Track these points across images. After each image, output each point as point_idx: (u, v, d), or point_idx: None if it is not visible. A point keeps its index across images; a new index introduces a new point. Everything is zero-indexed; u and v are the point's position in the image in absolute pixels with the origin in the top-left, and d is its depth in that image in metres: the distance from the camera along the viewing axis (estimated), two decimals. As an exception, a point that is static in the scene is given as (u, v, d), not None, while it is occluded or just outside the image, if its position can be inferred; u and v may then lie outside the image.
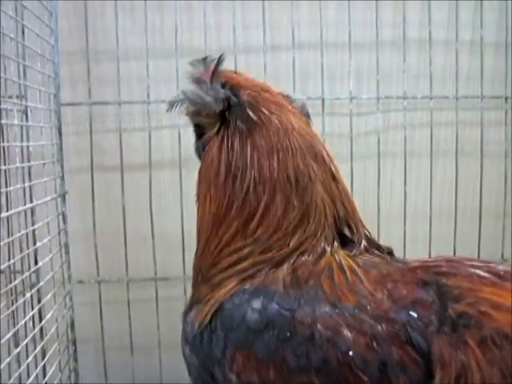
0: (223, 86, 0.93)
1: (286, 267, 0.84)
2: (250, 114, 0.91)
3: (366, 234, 0.93)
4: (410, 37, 1.62)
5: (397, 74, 1.63)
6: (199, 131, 0.98)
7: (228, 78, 0.95)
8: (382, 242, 1.44)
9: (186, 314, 0.90)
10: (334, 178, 0.91)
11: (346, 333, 0.74)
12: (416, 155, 1.66)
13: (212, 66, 0.93)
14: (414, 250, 1.54)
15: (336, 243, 0.88)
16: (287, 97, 0.99)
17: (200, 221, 0.94)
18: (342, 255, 0.86)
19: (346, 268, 0.83)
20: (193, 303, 0.90)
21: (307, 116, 1.00)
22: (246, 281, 0.84)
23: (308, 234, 0.86)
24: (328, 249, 0.87)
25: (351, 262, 0.85)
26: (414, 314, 0.75)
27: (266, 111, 0.91)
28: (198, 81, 0.93)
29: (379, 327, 0.74)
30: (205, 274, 0.90)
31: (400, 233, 1.60)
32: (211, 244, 0.90)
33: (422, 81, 1.64)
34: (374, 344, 0.73)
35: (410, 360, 0.73)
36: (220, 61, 0.94)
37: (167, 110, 0.96)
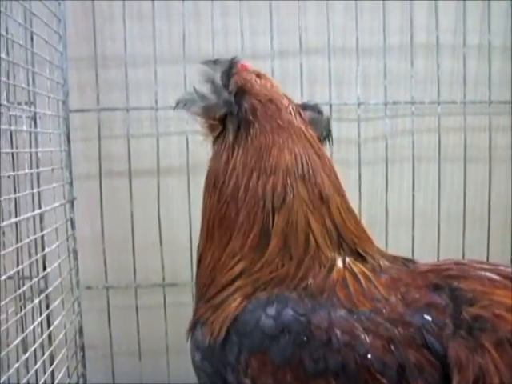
0: (236, 90, 0.92)
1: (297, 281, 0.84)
2: (241, 126, 0.90)
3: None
4: (418, 42, 1.62)
5: (404, 79, 1.63)
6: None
7: (243, 82, 0.93)
8: (390, 246, 1.44)
9: (189, 332, 0.89)
10: (322, 198, 0.88)
11: (364, 336, 0.74)
12: (424, 160, 1.65)
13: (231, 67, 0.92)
14: (422, 254, 1.52)
15: (342, 257, 0.87)
16: (306, 107, 0.97)
17: (200, 235, 0.94)
18: (351, 262, 0.86)
19: (358, 274, 0.83)
20: (195, 322, 0.89)
21: (326, 133, 0.98)
22: (251, 297, 0.83)
23: (299, 255, 0.85)
24: (336, 259, 0.86)
25: (362, 267, 0.85)
26: (429, 318, 0.75)
27: (257, 126, 0.90)
28: (210, 81, 0.92)
29: (395, 330, 0.74)
30: (204, 291, 0.89)
31: (408, 237, 1.59)
32: (205, 258, 0.90)
33: (429, 86, 1.64)
34: (392, 347, 0.73)
35: (427, 362, 0.73)
36: (233, 62, 0.92)
37: (174, 108, 0.95)
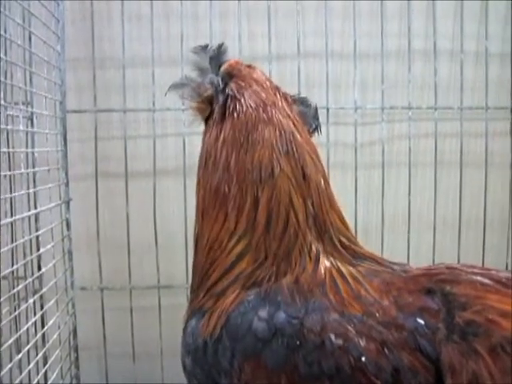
0: (223, 74, 0.95)
1: (288, 276, 0.84)
2: (228, 103, 0.92)
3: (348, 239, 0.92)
4: (415, 47, 1.63)
5: (402, 84, 1.63)
6: None
7: (231, 68, 0.96)
8: (385, 251, 1.45)
9: (186, 321, 0.89)
10: (305, 176, 0.89)
11: (357, 339, 0.74)
12: (420, 165, 1.65)
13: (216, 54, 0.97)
14: (417, 259, 1.53)
15: (324, 246, 0.88)
16: (295, 101, 0.99)
17: (195, 217, 0.94)
18: (340, 262, 0.86)
19: (348, 277, 0.83)
20: (194, 311, 0.88)
21: (314, 120, 1.00)
22: (250, 288, 0.84)
23: (288, 232, 0.86)
24: (320, 250, 0.86)
25: (352, 269, 0.85)
26: (422, 322, 0.75)
27: (243, 102, 0.91)
28: (199, 67, 0.96)
29: (388, 333, 0.74)
30: (203, 274, 0.89)
31: (404, 242, 1.59)
32: (202, 240, 0.90)
33: (426, 91, 1.64)
34: (385, 350, 0.73)
35: (420, 365, 0.73)
36: (221, 50, 0.96)
37: (166, 93, 0.98)
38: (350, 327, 0.75)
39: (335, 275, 0.84)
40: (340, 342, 0.74)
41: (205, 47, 0.98)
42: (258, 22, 1.61)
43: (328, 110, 1.58)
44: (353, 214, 1.56)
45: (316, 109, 1.02)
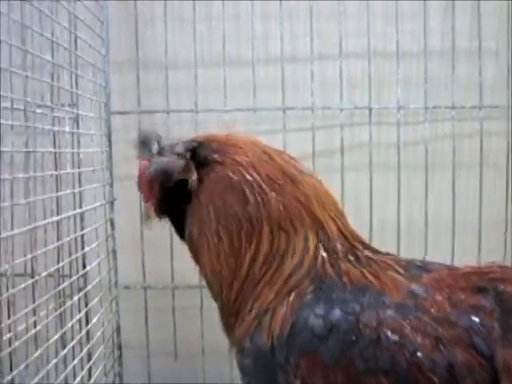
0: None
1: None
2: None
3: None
4: (459, 46, 1.60)
5: (445, 83, 1.60)
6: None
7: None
8: (431, 254, 1.42)
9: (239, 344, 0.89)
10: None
11: (412, 335, 0.75)
12: (464, 166, 1.62)
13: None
14: (461, 261, 1.50)
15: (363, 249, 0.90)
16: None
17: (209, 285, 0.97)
18: (384, 260, 0.88)
19: (396, 274, 0.85)
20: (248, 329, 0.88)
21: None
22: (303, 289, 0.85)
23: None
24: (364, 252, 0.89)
25: (397, 267, 0.86)
26: (476, 319, 0.75)
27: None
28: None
29: (443, 330, 0.75)
30: (241, 303, 0.90)
31: (448, 244, 1.56)
32: (228, 294, 0.91)
33: (471, 90, 1.61)
34: (440, 346, 0.73)
35: (475, 362, 0.72)
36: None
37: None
38: (405, 323, 0.76)
39: (384, 270, 0.85)
40: (396, 337, 0.75)
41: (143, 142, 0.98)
42: (299, 22, 1.61)
43: (370, 109, 1.56)
44: (395, 215, 1.54)
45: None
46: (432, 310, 0.77)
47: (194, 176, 0.93)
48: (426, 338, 0.74)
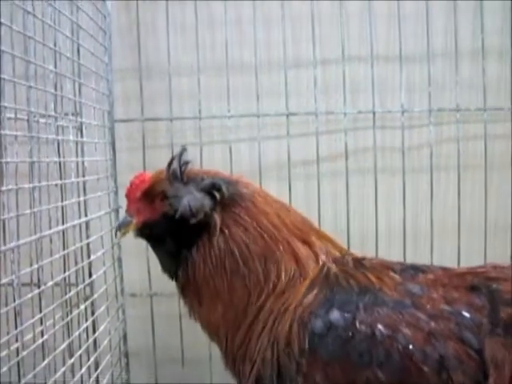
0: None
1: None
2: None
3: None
4: (462, 47, 1.59)
5: (449, 85, 1.60)
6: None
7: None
8: (436, 257, 1.43)
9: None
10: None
11: (405, 329, 0.79)
12: (469, 168, 1.62)
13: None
14: (468, 263, 1.49)
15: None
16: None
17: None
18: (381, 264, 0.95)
19: (393, 273, 0.91)
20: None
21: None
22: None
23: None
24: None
25: (395, 266, 0.93)
26: (467, 315, 0.79)
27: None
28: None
29: (435, 324, 0.79)
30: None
31: (453, 247, 1.56)
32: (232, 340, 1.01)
33: (475, 92, 1.60)
34: (432, 339, 0.77)
35: (465, 354, 0.76)
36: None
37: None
38: (399, 318, 0.80)
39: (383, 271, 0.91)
40: (389, 331, 0.79)
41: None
42: (302, 27, 1.61)
43: (374, 113, 1.56)
44: (401, 218, 1.54)
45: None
46: (427, 307, 0.81)
47: (219, 220, 0.96)
48: (418, 332, 0.78)
